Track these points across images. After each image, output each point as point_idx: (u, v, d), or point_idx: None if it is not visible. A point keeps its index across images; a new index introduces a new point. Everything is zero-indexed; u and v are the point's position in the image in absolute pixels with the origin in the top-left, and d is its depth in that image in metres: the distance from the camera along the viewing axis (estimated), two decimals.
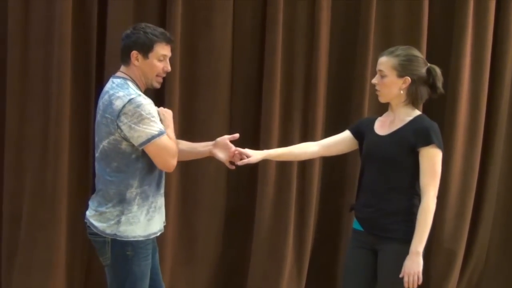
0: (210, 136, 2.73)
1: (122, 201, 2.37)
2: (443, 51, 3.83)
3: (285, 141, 3.64)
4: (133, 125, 2.29)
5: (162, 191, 2.53)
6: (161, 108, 2.54)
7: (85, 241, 3.32)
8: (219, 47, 3.60)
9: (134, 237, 2.38)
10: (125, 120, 2.30)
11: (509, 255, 4.14)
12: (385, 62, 2.49)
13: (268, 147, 3.53)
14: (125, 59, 2.44)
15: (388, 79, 2.49)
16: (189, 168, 3.60)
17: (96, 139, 2.44)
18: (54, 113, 3.40)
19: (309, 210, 3.76)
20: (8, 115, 3.44)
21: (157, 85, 2.50)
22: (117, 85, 2.38)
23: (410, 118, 2.50)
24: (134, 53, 2.41)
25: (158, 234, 2.51)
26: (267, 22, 3.62)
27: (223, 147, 2.63)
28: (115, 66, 2.54)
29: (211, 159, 2.79)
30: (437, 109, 3.67)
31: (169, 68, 2.49)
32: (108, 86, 2.42)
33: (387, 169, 2.47)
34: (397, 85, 2.48)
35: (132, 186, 2.37)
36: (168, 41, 2.46)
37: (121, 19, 3.40)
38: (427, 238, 2.40)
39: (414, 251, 2.38)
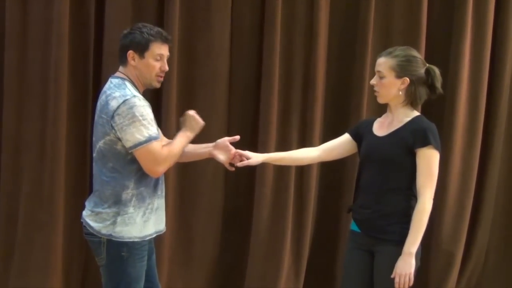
0: (207, 136, 2.71)
1: (118, 202, 2.36)
2: (442, 51, 3.83)
3: (283, 142, 3.64)
4: (124, 127, 2.28)
5: (160, 192, 2.50)
6: (193, 113, 2.52)
7: (82, 242, 3.30)
8: (217, 47, 3.60)
9: (130, 238, 2.37)
10: (118, 121, 2.29)
11: (508, 256, 4.13)
12: (383, 62, 2.48)
13: (266, 147, 3.53)
14: (123, 59, 2.43)
15: (386, 80, 2.47)
16: (187, 169, 3.59)
17: (93, 139, 2.43)
18: (51, 113, 3.39)
19: (307, 211, 3.75)
20: (5, 115, 3.44)
21: (157, 85, 2.49)
22: (114, 85, 2.37)
23: (409, 119, 2.49)
24: (130, 52, 2.40)
25: (154, 236, 2.49)
26: (265, 23, 3.62)
27: (223, 149, 2.62)
28: (113, 66, 2.53)
29: (209, 161, 2.78)
30: (436, 109, 3.66)
31: (166, 68, 2.47)
32: (106, 86, 2.42)
33: (386, 170, 2.45)
34: (395, 86, 2.47)
35: (128, 187, 2.36)
36: (165, 40, 2.44)
37: (119, 20, 3.39)
38: (421, 239, 2.38)
39: (407, 252, 2.36)
